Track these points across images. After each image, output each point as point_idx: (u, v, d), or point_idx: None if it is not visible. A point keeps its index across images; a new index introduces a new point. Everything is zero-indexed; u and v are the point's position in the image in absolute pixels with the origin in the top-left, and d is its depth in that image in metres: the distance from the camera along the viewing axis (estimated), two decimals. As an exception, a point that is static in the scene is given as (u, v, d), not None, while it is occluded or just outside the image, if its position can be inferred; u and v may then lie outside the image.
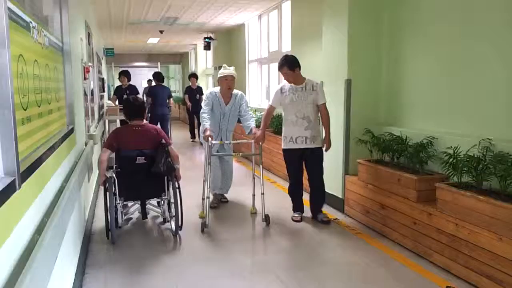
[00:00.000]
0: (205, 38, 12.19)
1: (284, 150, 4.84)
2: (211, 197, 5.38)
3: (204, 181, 5.04)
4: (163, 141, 4.33)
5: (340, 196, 5.21)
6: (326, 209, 5.12)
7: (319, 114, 4.80)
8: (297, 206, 4.96)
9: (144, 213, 4.67)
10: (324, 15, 5.51)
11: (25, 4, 2.17)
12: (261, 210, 4.84)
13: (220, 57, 12.49)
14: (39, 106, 2.24)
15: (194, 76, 11.57)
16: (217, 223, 4.83)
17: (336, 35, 5.21)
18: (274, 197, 5.80)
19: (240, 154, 6.07)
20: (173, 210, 4.38)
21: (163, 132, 4.52)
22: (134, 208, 4.87)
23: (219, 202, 5.59)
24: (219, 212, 5.27)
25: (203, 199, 5.02)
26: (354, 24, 4.98)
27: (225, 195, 5.71)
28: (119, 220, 4.44)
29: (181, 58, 21.78)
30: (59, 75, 3.13)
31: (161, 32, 11.98)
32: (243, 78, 10.75)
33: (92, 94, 6.34)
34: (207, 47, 12.36)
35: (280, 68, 4.77)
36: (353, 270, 3.65)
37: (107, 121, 10.45)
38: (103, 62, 14.21)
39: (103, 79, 10.30)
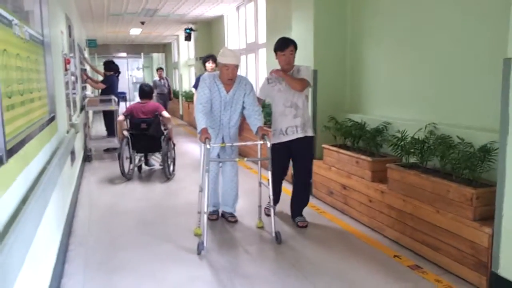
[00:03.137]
0: (185, 29, 12.44)
1: (273, 145, 4.23)
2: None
3: (200, 192, 4.22)
4: (157, 112, 6.48)
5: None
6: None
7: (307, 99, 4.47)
8: (275, 201, 4.34)
9: (146, 161, 7.03)
10: (293, 8, 5.84)
11: (7, 2, 2.45)
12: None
13: (201, 48, 12.77)
14: (21, 95, 2.53)
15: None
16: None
17: (303, 28, 5.56)
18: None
19: (246, 159, 4.48)
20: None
21: (160, 107, 6.67)
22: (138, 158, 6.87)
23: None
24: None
25: (199, 212, 4.22)
26: (319, 17, 5.34)
27: (233, 212, 4.62)
28: (128, 169, 6.55)
29: (164, 48, 21.95)
30: (40, 66, 3.40)
31: (142, 23, 12.21)
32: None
33: (73, 84, 6.60)
34: (188, 38, 12.62)
35: (285, 47, 4.29)
36: (314, 244, 4.01)
37: (90, 112, 10.69)
38: (86, 53, 14.38)
39: (85, 69, 10.48)
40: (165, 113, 6.61)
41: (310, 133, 4.41)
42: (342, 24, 5.45)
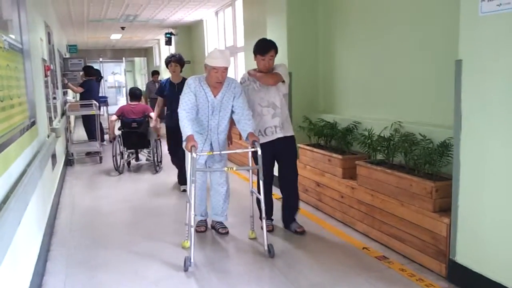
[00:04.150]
0: (166, 33, 12.58)
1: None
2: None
3: (187, 203, 3.97)
4: (146, 113, 7.29)
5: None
6: (274, 191, 4.73)
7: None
8: (268, 213, 4.24)
9: (137, 157, 7.80)
10: (267, 12, 6.04)
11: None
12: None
13: (182, 52, 12.80)
14: (1, 101, 2.67)
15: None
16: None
17: (277, 31, 5.75)
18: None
19: (235, 168, 4.11)
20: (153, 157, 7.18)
21: (149, 109, 7.44)
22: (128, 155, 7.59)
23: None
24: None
25: (186, 224, 3.99)
26: (292, 21, 5.55)
27: (223, 222, 4.37)
28: (120, 164, 7.28)
29: (146, 52, 22.01)
30: (19, 73, 3.53)
31: (123, 28, 12.32)
32: (203, 73, 11.19)
33: (54, 90, 6.69)
34: (168, 42, 12.76)
35: (265, 52, 4.12)
36: (289, 240, 4.18)
37: (72, 116, 10.74)
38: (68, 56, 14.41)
39: (66, 74, 10.54)
40: (153, 114, 7.12)
41: (290, 132, 4.26)
42: (314, 28, 5.66)
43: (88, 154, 8.91)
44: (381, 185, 3.90)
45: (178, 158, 5.83)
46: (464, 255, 3.08)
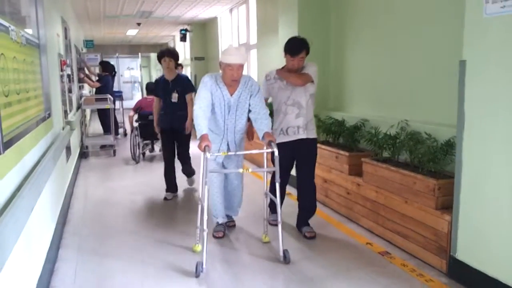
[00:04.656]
0: (181, 30, 12.70)
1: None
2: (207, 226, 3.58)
3: (199, 206, 3.86)
4: None
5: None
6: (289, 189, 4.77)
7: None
8: (273, 208, 4.27)
9: (152, 147, 8.26)
10: (279, 10, 6.11)
11: (5, 9, 2.71)
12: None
13: (196, 48, 13.06)
14: (18, 94, 2.79)
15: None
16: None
17: (289, 30, 5.81)
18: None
19: (250, 170, 3.95)
20: None
21: None
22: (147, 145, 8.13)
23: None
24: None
25: (197, 227, 3.88)
26: (303, 19, 5.61)
27: (235, 215, 4.41)
28: (137, 154, 7.71)
29: (161, 48, 22.19)
30: (35, 68, 3.66)
31: (138, 24, 12.46)
32: (217, 69, 11.31)
33: (69, 83, 6.85)
34: (183, 38, 12.88)
35: (296, 53, 3.93)
36: (293, 234, 4.26)
37: (88, 110, 10.95)
38: (86, 54, 14.63)
39: (83, 68, 10.74)
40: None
41: (312, 134, 4.12)
42: (325, 27, 5.71)
43: (103, 147, 9.09)
44: (386, 182, 3.96)
45: (185, 162, 5.65)
46: (465, 252, 3.13)
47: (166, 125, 5.37)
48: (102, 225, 4.55)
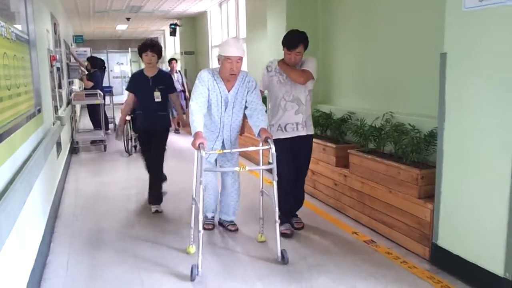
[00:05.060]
0: (171, 24, 12.72)
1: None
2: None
3: (193, 205, 3.75)
4: None
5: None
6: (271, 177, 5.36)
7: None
8: (287, 215, 4.09)
9: None
10: (267, 5, 6.17)
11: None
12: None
13: (186, 43, 13.10)
14: (9, 90, 2.84)
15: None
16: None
17: (277, 24, 5.89)
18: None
19: (247, 168, 3.51)
20: None
21: None
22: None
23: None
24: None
25: (191, 227, 3.70)
26: (291, 13, 5.68)
27: (233, 219, 4.20)
28: (129, 146, 7.88)
29: (143, 41, 22.13)
30: (26, 63, 3.70)
31: (128, 19, 12.46)
32: (207, 63, 11.37)
33: (59, 79, 6.87)
34: (173, 33, 12.90)
35: (292, 48, 3.84)
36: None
37: (78, 106, 10.95)
38: (74, 48, 14.60)
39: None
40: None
41: (311, 131, 4.07)
42: (313, 22, 5.79)
43: (93, 142, 9.11)
44: (371, 173, 4.06)
45: (155, 171, 4.82)
46: (446, 239, 3.24)
47: (146, 126, 4.75)
48: (93, 220, 4.61)
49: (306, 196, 4.62)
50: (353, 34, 5.18)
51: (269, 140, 3.47)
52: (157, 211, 4.71)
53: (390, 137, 3.98)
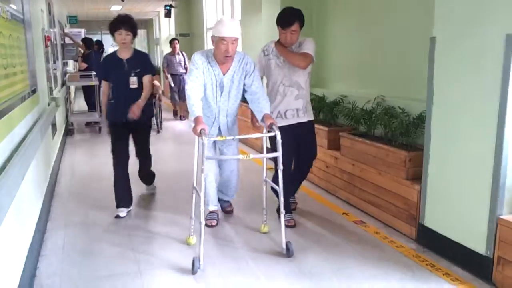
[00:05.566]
0: (165, 6, 12.64)
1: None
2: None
3: (193, 195, 3.57)
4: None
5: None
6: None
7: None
8: (288, 205, 3.78)
9: None
10: (262, -11, 6.18)
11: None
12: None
13: (181, 25, 13.05)
14: (5, 69, 2.89)
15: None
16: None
17: (271, 8, 5.91)
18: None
19: (251, 156, 3.29)
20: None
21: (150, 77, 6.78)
22: None
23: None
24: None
25: (191, 218, 3.54)
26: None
27: (229, 199, 4.13)
28: None
29: (146, 24, 22.00)
30: (21, 43, 3.73)
31: (123, 0, 12.36)
32: (202, 46, 11.35)
33: (54, 59, 6.88)
34: (168, 14, 12.82)
35: (286, 25, 3.61)
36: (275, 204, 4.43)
37: (72, 87, 10.93)
38: (67, 29, 14.50)
39: (64, 45, 10.68)
40: (156, 82, 7.34)
41: (311, 116, 3.93)
42: (308, 6, 5.78)
43: (88, 124, 9.14)
44: (362, 155, 4.14)
45: (145, 163, 4.54)
46: (432, 219, 3.34)
47: (119, 117, 4.10)
48: (89, 200, 4.68)
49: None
50: (346, 18, 5.22)
51: (274, 127, 3.26)
52: (118, 217, 4.11)
53: (380, 120, 4.06)
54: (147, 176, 4.69)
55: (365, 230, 3.78)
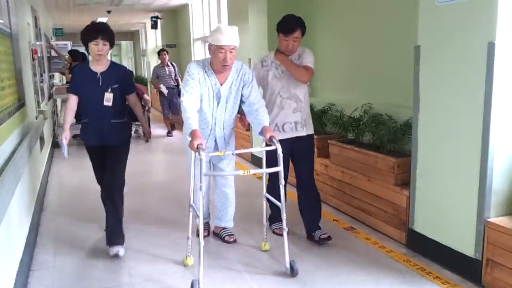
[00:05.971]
0: (152, 17, 12.68)
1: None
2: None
3: (190, 213, 3.37)
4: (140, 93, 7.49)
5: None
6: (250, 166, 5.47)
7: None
8: (275, 214, 3.77)
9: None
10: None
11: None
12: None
13: (168, 36, 13.09)
14: (-6, 83, 2.89)
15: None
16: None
17: (258, 18, 5.97)
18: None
19: (251, 171, 3.14)
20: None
21: (142, 89, 8.09)
22: None
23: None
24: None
25: (188, 238, 3.34)
26: (272, 7, 5.74)
27: (229, 226, 3.79)
28: None
29: (132, 36, 22.01)
30: (9, 57, 3.73)
31: (109, 12, 12.37)
32: (189, 57, 11.39)
33: (41, 73, 6.85)
34: (154, 26, 12.87)
35: (289, 32, 3.49)
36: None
37: (59, 100, 10.87)
38: (54, 41, 14.45)
39: (51, 57, 10.64)
40: (146, 96, 8.09)
41: (311, 130, 3.76)
42: (295, 14, 5.84)
43: (75, 136, 9.05)
44: (351, 162, 4.19)
45: (113, 200, 3.63)
46: (421, 224, 3.39)
47: (94, 140, 3.69)
48: (78, 213, 4.64)
49: (288, 186, 4.19)
50: (334, 28, 5.30)
51: (274, 140, 3.12)
52: (117, 255, 3.48)
53: (368, 128, 4.11)
54: (113, 227, 3.58)
55: (356, 236, 3.81)
